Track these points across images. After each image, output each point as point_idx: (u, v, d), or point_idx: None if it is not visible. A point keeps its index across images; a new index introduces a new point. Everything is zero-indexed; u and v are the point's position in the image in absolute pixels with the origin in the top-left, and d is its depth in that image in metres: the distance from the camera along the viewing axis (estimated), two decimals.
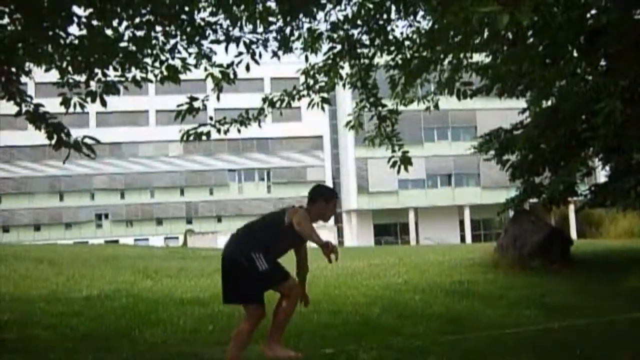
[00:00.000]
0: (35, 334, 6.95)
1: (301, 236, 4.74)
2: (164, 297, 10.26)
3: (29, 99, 7.62)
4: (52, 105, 7.99)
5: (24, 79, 7.83)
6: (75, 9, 6.87)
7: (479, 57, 10.03)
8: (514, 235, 15.17)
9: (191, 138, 8.12)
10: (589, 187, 16.07)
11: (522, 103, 16.35)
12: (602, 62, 11.03)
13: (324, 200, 4.91)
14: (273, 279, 4.70)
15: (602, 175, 22.75)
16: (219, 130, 8.38)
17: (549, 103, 13.49)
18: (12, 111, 7.79)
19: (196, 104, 7.79)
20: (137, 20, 7.19)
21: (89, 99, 7.40)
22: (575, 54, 10.13)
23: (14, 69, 7.43)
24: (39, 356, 6.04)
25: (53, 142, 7.57)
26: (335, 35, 8.30)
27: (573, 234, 40.59)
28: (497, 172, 19.32)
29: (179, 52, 7.59)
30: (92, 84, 7.44)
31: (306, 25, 8.17)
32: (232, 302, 4.90)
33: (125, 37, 7.24)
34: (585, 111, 12.01)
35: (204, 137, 8.20)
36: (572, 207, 32.05)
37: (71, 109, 7.38)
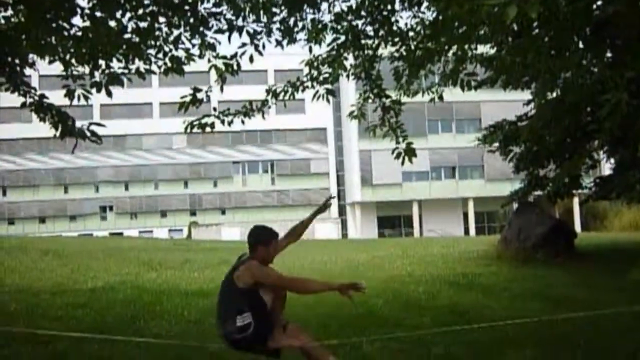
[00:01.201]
0: (41, 325, 6.98)
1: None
2: (169, 289, 10.31)
3: (33, 91, 7.63)
4: (56, 97, 7.99)
5: (27, 71, 7.83)
6: (78, 0, 6.87)
7: (483, 49, 9.98)
8: (518, 228, 15.16)
9: (195, 129, 8.11)
10: (593, 179, 16.03)
11: (527, 95, 16.27)
12: (608, 54, 10.96)
13: (262, 244, 4.71)
14: (259, 304, 4.54)
15: (607, 167, 22.69)
16: (222, 122, 8.36)
17: (554, 95, 13.42)
18: (16, 103, 7.82)
19: (199, 95, 7.78)
20: (141, 11, 7.18)
21: (93, 90, 7.40)
22: (581, 45, 10.06)
23: (17, 61, 7.44)
24: (46, 347, 6.08)
25: (58, 132, 7.58)
26: (339, 26, 8.27)
27: (577, 227, 40.56)
28: (502, 164, 19.23)
29: (183, 42, 7.58)
30: (96, 76, 7.44)
31: (310, 16, 8.15)
32: (273, 349, 4.67)
33: (129, 29, 7.23)
34: (590, 103, 11.95)
35: (207, 128, 8.19)
36: (576, 200, 32.03)
37: (75, 101, 7.39)
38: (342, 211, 55.61)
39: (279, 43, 8.00)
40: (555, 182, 14.72)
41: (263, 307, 4.57)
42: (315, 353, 4.68)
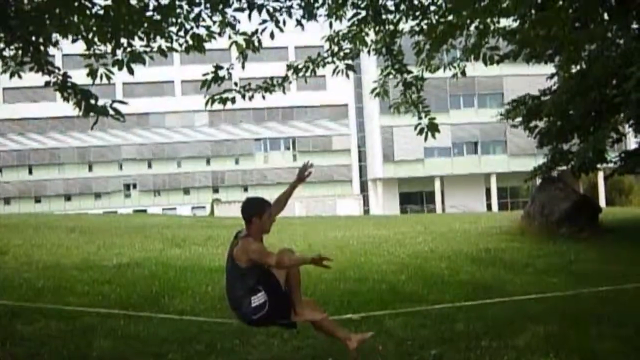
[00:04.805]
0: (68, 301, 7.12)
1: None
2: (192, 265, 10.41)
3: (57, 70, 7.69)
4: (79, 77, 8.05)
5: (51, 51, 7.89)
6: None
7: (506, 22, 9.84)
8: (542, 203, 15.05)
9: (216, 103, 8.12)
10: (618, 153, 15.83)
11: (550, 69, 16.06)
12: (634, 25, 10.76)
13: (256, 216, 4.71)
14: (272, 281, 4.58)
15: (632, 141, 22.37)
16: (243, 96, 8.37)
17: (579, 68, 13.22)
18: (40, 83, 7.89)
19: (221, 73, 7.79)
20: None
21: (115, 69, 7.44)
22: (606, 17, 9.89)
23: (41, 40, 7.49)
24: (74, 322, 6.20)
25: (81, 111, 7.64)
26: (359, 1, 8.19)
27: (602, 202, 40.11)
28: (525, 139, 19.08)
29: (204, 20, 7.57)
30: (118, 54, 7.47)
31: None
32: (290, 317, 4.76)
33: (150, 6, 7.24)
34: (616, 76, 11.77)
35: (228, 103, 8.19)
36: (601, 175, 31.66)
37: (98, 80, 7.44)
38: (364, 187, 55.59)
39: (299, 23, 7.95)
40: (579, 157, 14.56)
41: (276, 285, 4.61)
42: (330, 326, 4.82)
